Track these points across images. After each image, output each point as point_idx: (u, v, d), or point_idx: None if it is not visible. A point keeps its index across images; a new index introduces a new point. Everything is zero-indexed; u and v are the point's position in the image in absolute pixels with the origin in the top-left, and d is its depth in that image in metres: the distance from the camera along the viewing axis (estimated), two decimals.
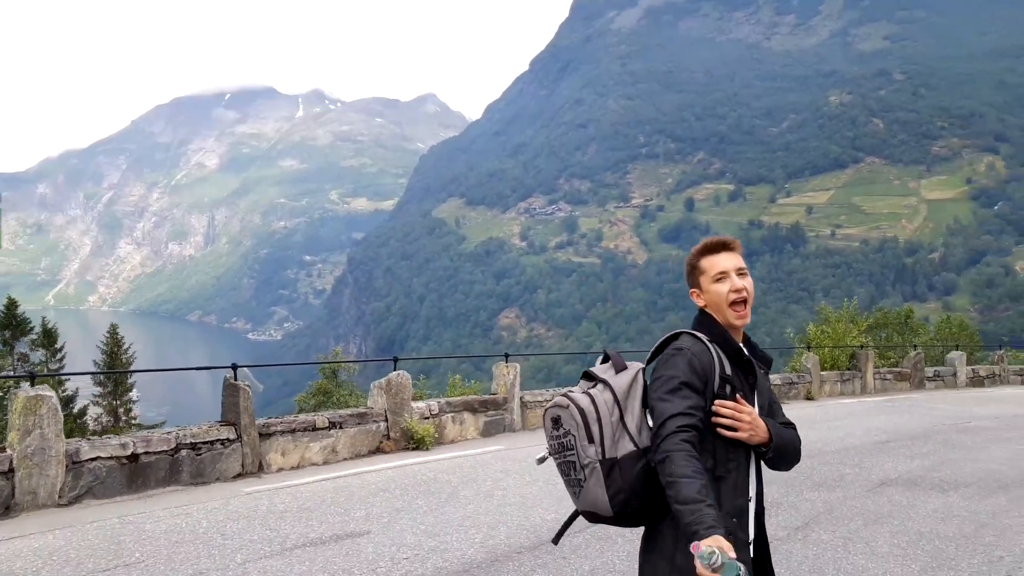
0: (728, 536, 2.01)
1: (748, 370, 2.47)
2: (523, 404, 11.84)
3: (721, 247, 2.55)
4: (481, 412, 11.08)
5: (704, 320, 2.53)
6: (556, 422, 2.42)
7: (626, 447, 2.33)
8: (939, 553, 5.86)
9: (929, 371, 20.96)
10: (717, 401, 2.35)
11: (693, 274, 2.58)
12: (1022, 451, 10.50)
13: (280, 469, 8.46)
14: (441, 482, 7.86)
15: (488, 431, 11.09)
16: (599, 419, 2.36)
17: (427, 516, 6.54)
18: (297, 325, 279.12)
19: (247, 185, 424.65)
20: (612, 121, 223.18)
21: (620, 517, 2.36)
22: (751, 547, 2.42)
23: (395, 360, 10.02)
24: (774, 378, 14.73)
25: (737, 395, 2.40)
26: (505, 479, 8.02)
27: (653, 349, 2.55)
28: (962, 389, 20.89)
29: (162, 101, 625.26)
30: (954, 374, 21.38)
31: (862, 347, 19.51)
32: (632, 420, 2.36)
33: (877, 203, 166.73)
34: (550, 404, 2.48)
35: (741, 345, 2.50)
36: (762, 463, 2.48)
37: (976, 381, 21.93)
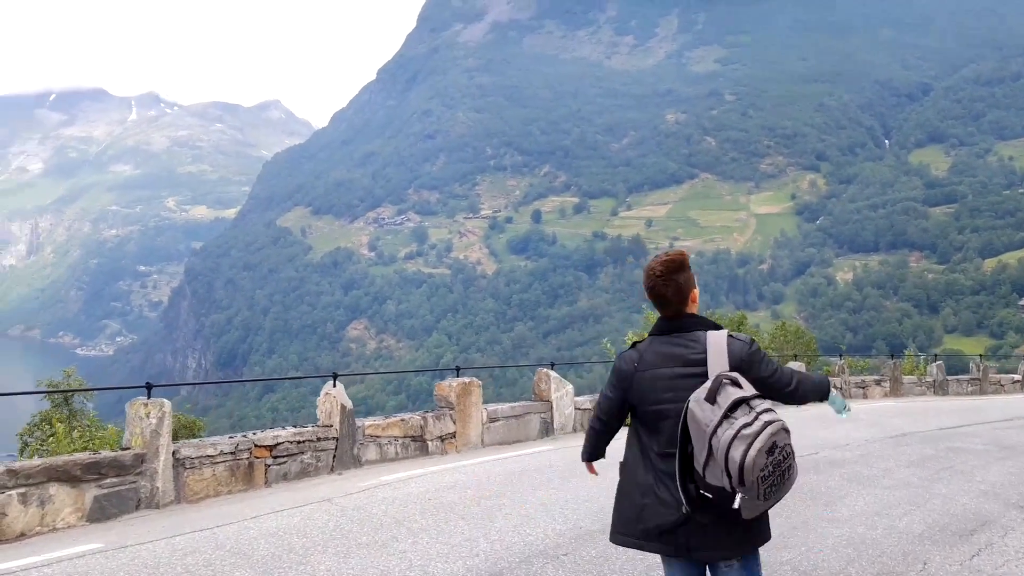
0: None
1: None
2: (178, 462, 7.57)
3: None
4: (91, 481, 6.88)
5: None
6: (772, 449, 2.68)
7: None
8: None
9: None
10: None
11: (692, 280, 3.11)
12: (894, 498, 7.47)
13: None
14: None
15: (103, 512, 6.92)
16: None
17: None
18: (131, 339, 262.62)
19: (75, 191, 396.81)
20: (460, 133, 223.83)
21: None
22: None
23: None
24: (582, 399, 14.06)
25: None
26: None
27: (724, 336, 2.98)
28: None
29: None
30: None
31: None
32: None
33: (711, 217, 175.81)
34: (759, 442, 2.64)
35: None
36: None
37: None
